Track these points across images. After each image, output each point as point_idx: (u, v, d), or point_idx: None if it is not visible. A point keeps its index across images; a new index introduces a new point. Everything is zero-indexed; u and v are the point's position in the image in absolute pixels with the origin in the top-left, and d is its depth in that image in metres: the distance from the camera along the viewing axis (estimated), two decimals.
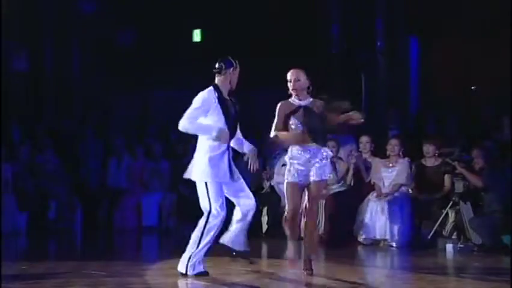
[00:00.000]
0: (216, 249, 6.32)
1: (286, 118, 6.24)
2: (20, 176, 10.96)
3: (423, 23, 12.25)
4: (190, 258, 6.00)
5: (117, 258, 7.86)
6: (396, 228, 8.60)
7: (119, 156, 11.60)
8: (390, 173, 8.94)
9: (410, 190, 8.95)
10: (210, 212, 5.99)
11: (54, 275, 6.36)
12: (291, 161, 6.17)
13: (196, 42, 13.55)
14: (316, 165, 6.09)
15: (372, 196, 8.93)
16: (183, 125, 6.05)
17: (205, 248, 6.03)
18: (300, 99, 6.26)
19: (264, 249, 8.73)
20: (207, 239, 6.00)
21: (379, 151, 9.31)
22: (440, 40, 11.81)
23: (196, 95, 6.20)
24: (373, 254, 8.33)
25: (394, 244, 8.57)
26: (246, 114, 11.81)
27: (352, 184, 9.33)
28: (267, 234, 9.55)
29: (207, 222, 5.99)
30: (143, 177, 11.34)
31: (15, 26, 12.88)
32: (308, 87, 6.30)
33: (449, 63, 11.71)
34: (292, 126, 6.22)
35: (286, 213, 6.27)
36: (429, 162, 8.87)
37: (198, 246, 5.99)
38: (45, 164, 11.29)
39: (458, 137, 10.13)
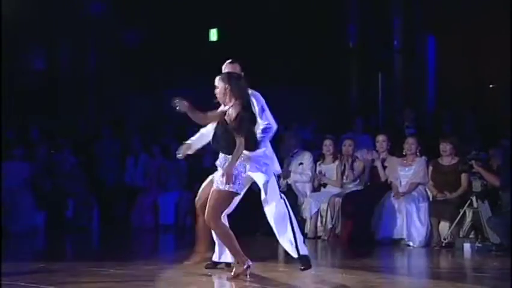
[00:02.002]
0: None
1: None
2: (38, 175, 11.04)
3: (441, 22, 12.19)
4: (295, 239, 6.16)
5: (134, 257, 7.88)
6: (413, 227, 8.58)
7: (136, 155, 11.65)
8: (407, 172, 8.90)
9: (427, 189, 8.91)
10: (283, 198, 6.35)
11: (72, 274, 6.38)
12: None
13: (213, 42, 13.58)
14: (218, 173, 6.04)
15: (389, 195, 8.90)
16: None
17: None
18: (224, 105, 6.14)
19: (281, 248, 8.72)
20: (294, 220, 6.27)
21: (396, 150, 9.28)
22: (458, 38, 11.74)
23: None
24: (390, 253, 8.29)
25: (411, 243, 8.54)
26: None
27: (369, 183, 9.31)
28: None
29: (286, 205, 6.32)
30: (160, 176, 11.38)
31: (32, 27, 12.97)
32: (231, 90, 6.05)
33: (467, 62, 11.65)
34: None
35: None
36: (446, 161, 8.82)
37: (293, 229, 6.17)
38: (63, 163, 11.36)
39: (475, 136, 10.08)
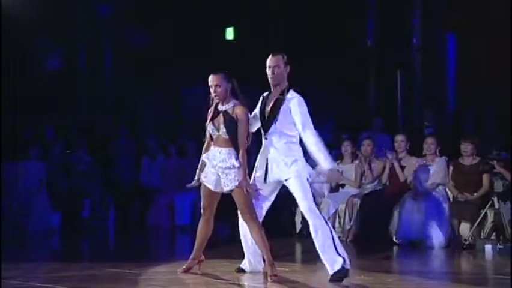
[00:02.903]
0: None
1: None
2: (54, 174, 11.10)
3: (462, 20, 12.11)
4: (336, 250, 5.93)
5: (151, 258, 7.90)
6: (432, 228, 8.53)
7: (152, 155, 11.68)
8: (427, 172, 8.86)
9: (447, 189, 8.85)
10: (318, 206, 6.22)
11: (88, 275, 6.40)
12: None
13: (229, 40, 13.59)
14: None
15: (408, 196, 8.86)
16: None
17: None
18: (222, 104, 6.12)
19: (298, 248, 8.70)
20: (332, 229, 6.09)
21: (415, 150, 9.23)
22: (479, 37, 11.65)
23: None
24: (409, 255, 8.25)
25: (431, 245, 8.49)
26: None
27: (387, 183, 9.27)
28: (300, 233, 9.52)
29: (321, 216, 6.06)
30: (176, 176, 11.39)
31: (49, 26, 13.04)
32: (233, 90, 6.11)
33: (488, 61, 11.56)
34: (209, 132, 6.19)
35: None
36: (467, 161, 8.77)
37: (333, 240, 5.95)
38: (79, 163, 11.42)
39: (496, 136, 10.01)
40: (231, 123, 6.02)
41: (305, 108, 6.02)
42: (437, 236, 8.49)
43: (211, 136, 6.20)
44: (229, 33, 13.54)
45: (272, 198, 6.32)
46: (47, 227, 10.59)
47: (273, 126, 6.04)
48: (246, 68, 8.96)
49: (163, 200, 11.22)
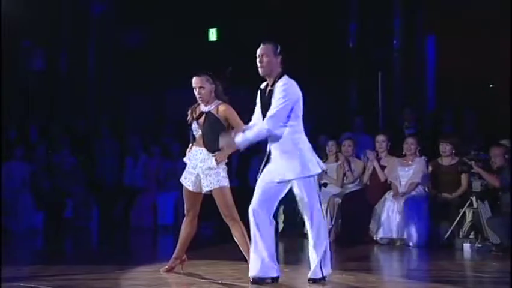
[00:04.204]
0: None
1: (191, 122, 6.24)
2: (37, 175, 11.05)
3: (441, 22, 12.18)
4: (321, 261, 5.63)
5: (133, 258, 7.88)
6: (413, 227, 8.57)
7: (135, 155, 11.66)
8: (407, 172, 8.92)
9: (426, 189, 8.91)
10: (321, 208, 5.66)
11: (70, 275, 6.38)
12: None
13: (212, 41, 13.57)
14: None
15: (388, 195, 8.91)
16: None
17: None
18: (205, 105, 6.16)
19: (280, 248, 8.72)
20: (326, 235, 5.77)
21: (395, 150, 9.28)
22: (458, 38, 11.73)
23: None
24: (389, 254, 8.30)
25: (411, 244, 8.54)
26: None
27: (368, 183, 9.32)
28: (282, 233, 9.54)
29: (322, 219, 5.70)
30: (159, 176, 11.39)
31: (31, 27, 12.96)
32: (217, 91, 6.16)
33: (467, 62, 11.63)
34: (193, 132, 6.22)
35: None
36: (446, 161, 8.84)
37: (324, 247, 5.63)
38: (62, 163, 11.38)
39: (475, 136, 10.08)
40: (215, 123, 6.03)
41: (283, 93, 5.53)
42: (417, 235, 8.54)
43: (193, 136, 6.20)
44: (212, 34, 13.52)
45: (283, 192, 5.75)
46: (30, 227, 10.54)
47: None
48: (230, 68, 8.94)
49: (145, 200, 11.20)
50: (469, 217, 8.36)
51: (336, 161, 9.52)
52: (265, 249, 5.54)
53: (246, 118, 6.05)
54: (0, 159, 10.49)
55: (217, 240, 7.03)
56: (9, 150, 10.93)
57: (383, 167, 9.20)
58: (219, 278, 6.10)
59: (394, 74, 12.67)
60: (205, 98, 6.10)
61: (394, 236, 8.71)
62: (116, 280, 6.02)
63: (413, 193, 8.81)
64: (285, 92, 5.55)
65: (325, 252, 5.62)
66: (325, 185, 9.53)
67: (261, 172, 5.65)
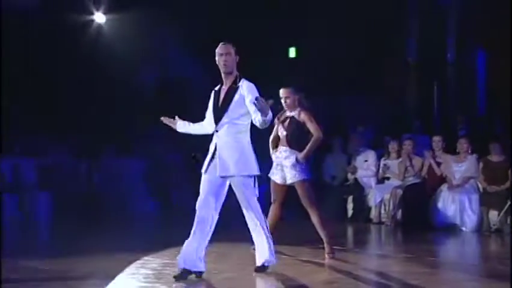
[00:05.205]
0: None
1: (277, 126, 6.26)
2: (151, 169, 11.18)
3: (489, 38, 11.86)
4: (270, 246, 5.24)
5: (230, 236, 7.94)
6: (465, 215, 8.39)
7: None
8: (460, 168, 8.73)
9: (477, 182, 8.69)
10: (259, 200, 5.16)
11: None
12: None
13: (292, 58, 13.58)
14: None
15: (444, 187, 8.74)
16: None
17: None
18: (290, 111, 6.19)
19: (349, 232, 8.66)
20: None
21: (450, 149, 9.09)
22: (505, 52, 11.38)
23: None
24: (445, 238, 8.12)
25: (464, 229, 8.35)
26: (334, 116, 11.79)
27: (426, 177, 9.15)
28: (351, 219, 9.47)
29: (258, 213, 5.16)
30: None
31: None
32: (300, 100, 6.16)
33: None
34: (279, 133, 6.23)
35: None
36: (495, 158, 8.61)
37: (267, 234, 5.23)
38: (170, 160, 11.50)
39: None
40: (296, 126, 6.09)
41: (256, 94, 5.03)
42: (469, 221, 8.36)
43: (279, 137, 6.26)
44: (292, 52, 13.53)
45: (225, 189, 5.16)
46: (144, 212, 10.72)
47: (225, 116, 5.08)
48: (307, 81, 8.97)
49: None
50: None
51: (398, 158, 9.38)
52: (197, 243, 5.01)
53: (324, 124, 6.16)
54: None
55: (298, 223, 7.02)
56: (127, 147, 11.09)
57: (438, 163, 9.01)
58: (298, 254, 6.13)
59: (448, 83, 12.43)
60: (290, 106, 6.16)
61: (449, 222, 8.52)
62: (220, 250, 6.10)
63: (466, 186, 8.61)
64: (256, 92, 5.08)
65: (265, 241, 5.17)
66: (388, 178, 9.41)
67: (207, 168, 5.10)
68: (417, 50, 12.65)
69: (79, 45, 11.19)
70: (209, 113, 5.23)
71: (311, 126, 6.04)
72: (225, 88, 5.15)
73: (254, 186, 5.09)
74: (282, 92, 6.20)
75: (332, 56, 12.19)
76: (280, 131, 6.23)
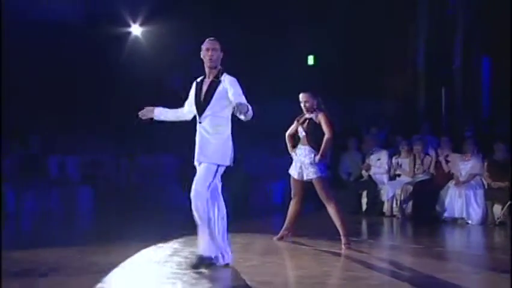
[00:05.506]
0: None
1: (296, 126, 6.31)
2: (184, 167, 11.20)
3: (494, 45, 11.76)
4: (210, 240, 4.86)
5: (252, 226, 7.97)
6: (471, 208, 8.36)
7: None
8: (466, 166, 8.68)
9: (482, 179, 8.63)
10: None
11: None
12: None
13: (310, 65, 13.56)
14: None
15: (451, 183, 8.70)
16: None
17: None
18: (309, 114, 6.23)
19: (364, 224, 8.67)
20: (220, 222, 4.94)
21: (457, 148, 9.05)
22: (508, 58, 11.28)
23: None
24: (452, 230, 8.09)
25: (470, 222, 8.31)
26: (349, 119, 11.78)
27: (435, 174, 9.12)
28: (366, 212, 9.47)
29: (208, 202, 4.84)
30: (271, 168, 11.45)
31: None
32: (318, 104, 6.20)
33: None
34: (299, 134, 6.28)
35: None
36: (499, 156, 8.54)
37: (209, 229, 4.82)
38: None
39: None
40: (314, 127, 6.13)
41: (238, 87, 4.82)
42: (474, 215, 8.32)
43: (299, 137, 6.31)
44: (310, 60, 13.52)
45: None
46: (177, 204, 10.72)
47: (207, 108, 4.89)
48: (325, 86, 9.00)
49: (262, 186, 11.28)
50: None
51: (408, 156, 9.36)
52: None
53: (340, 126, 6.17)
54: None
55: (316, 217, 7.05)
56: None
57: (446, 162, 8.97)
58: (317, 245, 6.16)
59: (455, 88, 12.34)
60: (309, 109, 6.21)
61: (456, 215, 8.49)
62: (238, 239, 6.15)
63: (472, 182, 8.57)
64: (238, 86, 4.85)
65: (211, 234, 4.83)
66: (399, 175, 9.40)
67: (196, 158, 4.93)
68: (427, 58, 12.58)
69: (118, 55, 11.37)
70: (189, 103, 5.07)
71: (325, 128, 6.09)
72: (207, 81, 4.93)
73: (214, 176, 4.79)
74: (301, 96, 6.25)
75: (347, 63, 12.19)
76: (300, 132, 6.28)
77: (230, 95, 4.80)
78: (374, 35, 12.27)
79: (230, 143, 4.90)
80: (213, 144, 4.83)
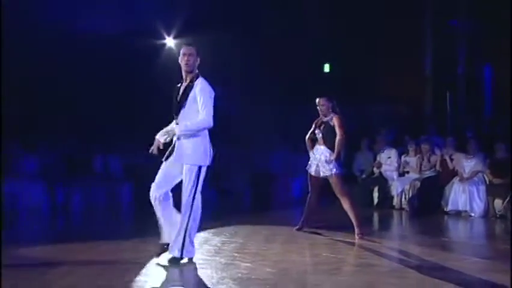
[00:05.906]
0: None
1: (314, 128, 6.25)
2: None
3: (495, 54, 11.59)
4: (183, 241, 4.64)
5: (275, 218, 7.95)
6: (474, 202, 8.24)
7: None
8: (470, 163, 8.55)
9: (484, 176, 8.50)
10: (194, 197, 4.61)
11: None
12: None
13: (326, 73, 13.50)
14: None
15: (456, 180, 8.59)
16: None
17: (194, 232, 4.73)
18: (325, 117, 6.19)
19: (375, 218, 8.59)
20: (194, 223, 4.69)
21: (461, 147, 8.93)
22: (509, 67, 11.10)
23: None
24: (456, 222, 7.97)
25: (473, 215, 8.19)
26: (362, 121, 11.68)
27: (440, 170, 9.00)
28: (377, 206, 9.38)
29: (192, 206, 4.63)
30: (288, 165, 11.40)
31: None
32: (333, 107, 6.16)
33: None
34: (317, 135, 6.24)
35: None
36: (500, 155, 8.40)
37: (185, 230, 4.63)
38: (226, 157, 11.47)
39: None
40: (330, 129, 6.11)
41: (207, 93, 4.58)
42: (477, 209, 8.19)
43: (316, 138, 6.29)
44: (326, 68, 13.46)
45: (181, 177, 4.68)
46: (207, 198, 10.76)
47: (181, 111, 4.66)
48: (339, 92, 8.95)
49: (283, 182, 11.26)
50: None
51: (415, 155, 9.26)
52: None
53: (353, 128, 6.12)
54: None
55: (331, 210, 7.01)
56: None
57: (451, 159, 8.86)
58: (333, 235, 6.13)
59: (459, 93, 12.21)
60: (325, 112, 6.19)
61: (460, 209, 8.37)
62: (262, 231, 6.13)
63: (475, 178, 8.44)
64: (208, 89, 4.63)
65: (185, 235, 4.61)
66: (407, 172, 9.30)
67: (167, 157, 4.71)
68: (433, 65, 12.48)
69: (153, 65, 11.47)
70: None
71: (337, 130, 6.07)
72: (184, 84, 4.71)
73: (197, 177, 4.60)
74: (318, 101, 6.24)
75: (360, 70, 12.12)
76: (317, 133, 6.26)
77: (198, 101, 4.58)
78: (383, 45, 12.18)
79: (206, 143, 4.66)
80: (190, 146, 4.61)
